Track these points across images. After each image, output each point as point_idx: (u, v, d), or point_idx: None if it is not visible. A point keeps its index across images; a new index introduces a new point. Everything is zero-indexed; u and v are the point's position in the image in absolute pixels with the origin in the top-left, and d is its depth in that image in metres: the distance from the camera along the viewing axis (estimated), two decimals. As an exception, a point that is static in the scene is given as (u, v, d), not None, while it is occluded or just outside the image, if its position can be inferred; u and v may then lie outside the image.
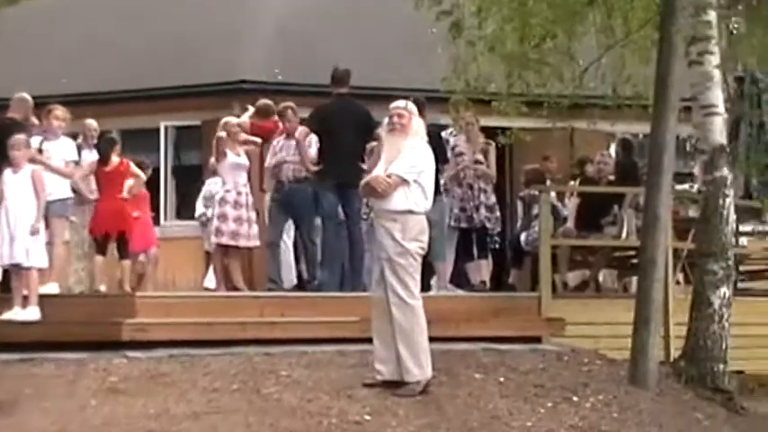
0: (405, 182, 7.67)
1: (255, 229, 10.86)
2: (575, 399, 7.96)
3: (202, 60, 14.89)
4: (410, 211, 7.69)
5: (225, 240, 10.83)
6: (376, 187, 7.68)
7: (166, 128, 14.88)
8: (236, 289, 10.73)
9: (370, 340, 7.91)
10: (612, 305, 10.20)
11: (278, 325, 9.20)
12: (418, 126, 7.96)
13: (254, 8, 15.97)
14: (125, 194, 11.99)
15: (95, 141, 12.26)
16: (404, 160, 7.73)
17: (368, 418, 7.16)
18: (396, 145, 7.85)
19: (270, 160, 11.14)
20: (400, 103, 7.98)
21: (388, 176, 7.67)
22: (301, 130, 10.50)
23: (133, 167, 12.12)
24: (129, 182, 11.64)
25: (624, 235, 11.02)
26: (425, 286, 10.90)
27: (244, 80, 14.13)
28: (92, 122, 12.40)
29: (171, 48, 15.40)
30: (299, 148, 10.48)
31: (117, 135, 14.53)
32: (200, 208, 12.87)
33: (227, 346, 8.67)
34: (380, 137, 8.07)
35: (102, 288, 11.79)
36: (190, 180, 14.27)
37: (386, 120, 8.00)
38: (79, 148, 12.12)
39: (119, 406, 7.17)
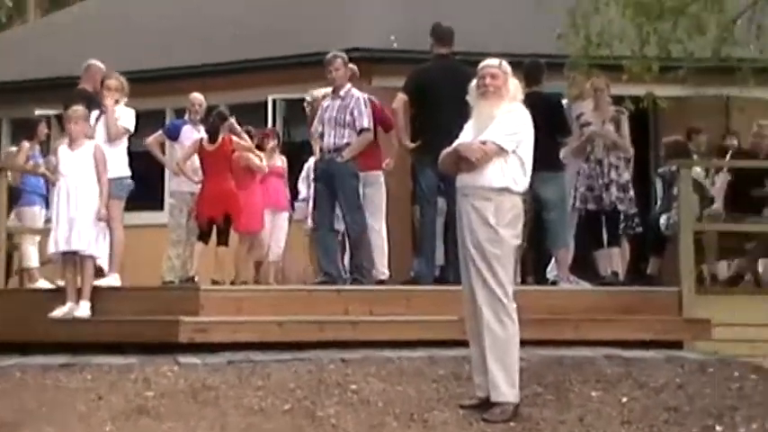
0: (503, 151, 6.11)
1: None
2: (718, 428, 6.13)
3: (311, 29, 13.61)
4: (507, 190, 6.13)
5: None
6: (469, 156, 6.10)
7: (275, 101, 13.60)
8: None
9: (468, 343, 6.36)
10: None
11: (360, 324, 7.75)
12: (515, 89, 6.35)
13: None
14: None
15: (201, 117, 11.11)
16: (500, 126, 6.15)
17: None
18: (488, 111, 6.26)
19: (316, 125, 9.33)
20: (492, 61, 6.38)
21: (483, 143, 6.10)
22: (399, 97, 8.93)
23: (237, 140, 10.91)
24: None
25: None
26: (540, 278, 9.31)
27: (356, 48, 12.67)
28: (197, 96, 11.25)
29: (278, 17, 14.20)
30: (395, 118, 8.94)
31: (225, 109, 13.61)
32: (302, 190, 11.56)
33: (300, 349, 7.30)
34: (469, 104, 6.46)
35: (195, 276, 10.74)
36: (302, 157, 12.98)
37: (473, 83, 6.40)
38: (183, 124, 11.10)
39: (135, 433, 5.82)
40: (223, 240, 10.78)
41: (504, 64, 6.41)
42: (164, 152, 11.32)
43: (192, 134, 10.88)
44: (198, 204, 10.63)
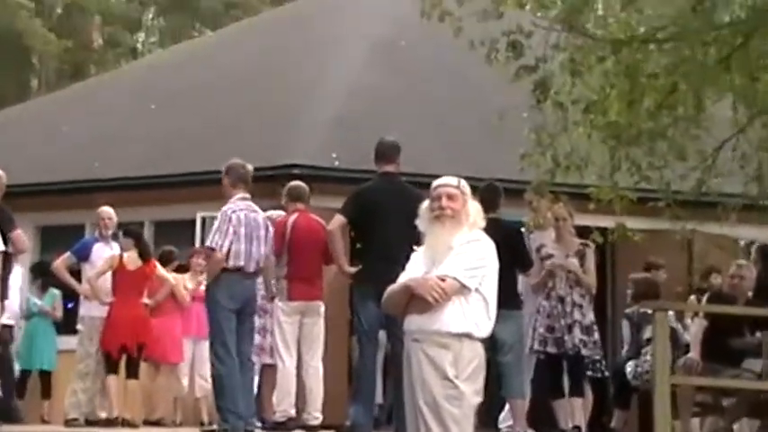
0: (464, 289, 5.02)
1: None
2: None
3: (251, 146, 12.58)
4: (468, 335, 5.03)
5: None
6: (424, 294, 4.99)
7: (204, 219, 12.46)
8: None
9: None
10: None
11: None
12: (476, 214, 5.28)
13: (309, 93, 13.66)
14: (147, 300, 9.84)
15: (113, 232, 9.98)
16: (460, 258, 5.07)
17: None
18: (444, 239, 5.18)
19: None
20: (449, 179, 5.33)
21: (441, 279, 5.01)
22: (336, 218, 7.82)
23: (160, 271, 9.90)
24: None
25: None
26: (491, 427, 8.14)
27: (294, 164, 11.67)
28: (106, 209, 10.15)
29: (215, 130, 13.16)
30: (331, 242, 7.83)
31: (149, 226, 12.50)
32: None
33: None
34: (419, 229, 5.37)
35: (104, 415, 9.49)
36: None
37: (425, 204, 5.35)
38: (94, 242, 10.02)
39: None
40: (133, 372, 9.75)
41: (464, 183, 5.37)
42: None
43: (104, 252, 9.77)
44: (107, 330, 9.43)
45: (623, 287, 10.90)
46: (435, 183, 5.34)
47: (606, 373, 8.80)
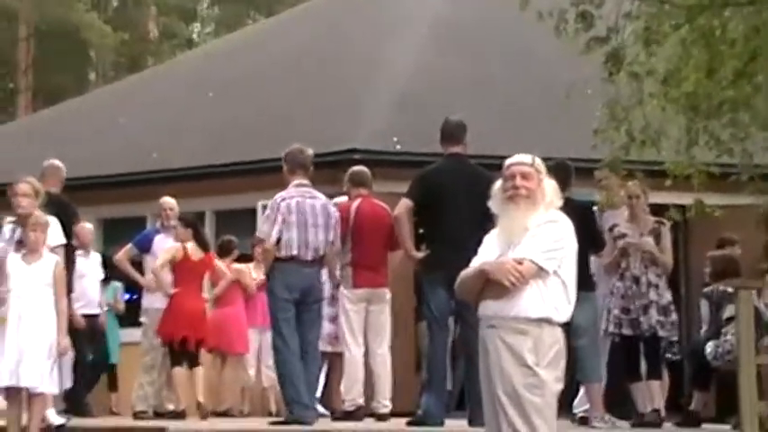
0: (542, 272, 4.75)
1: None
2: None
3: (311, 132, 12.37)
4: (547, 321, 4.77)
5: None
6: (501, 278, 4.74)
7: (264, 207, 12.27)
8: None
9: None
10: None
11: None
12: (553, 193, 5.01)
13: (367, 77, 13.39)
14: (206, 295, 9.69)
15: (173, 223, 9.80)
16: (537, 240, 4.80)
17: None
18: (520, 221, 4.92)
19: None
20: (524, 157, 5.04)
21: (518, 262, 4.76)
22: (402, 202, 7.57)
23: (219, 266, 9.73)
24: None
25: None
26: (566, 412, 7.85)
27: (355, 149, 11.42)
28: (168, 200, 9.99)
29: (272, 118, 12.98)
30: (398, 227, 7.58)
31: (211, 216, 12.37)
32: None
33: None
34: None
35: (171, 407, 9.36)
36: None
37: (497, 184, 5.07)
38: (155, 233, 9.89)
39: None
40: (196, 362, 9.48)
41: (538, 161, 5.08)
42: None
43: (166, 243, 9.62)
44: (166, 321, 9.26)
45: (697, 265, 10.56)
46: (508, 161, 5.07)
47: (677, 357, 8.48)
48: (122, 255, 9.99)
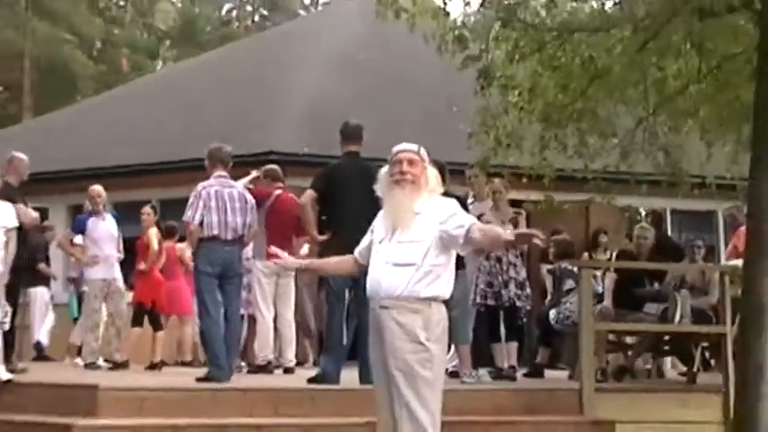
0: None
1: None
2: None
3: (239, 138, 11.14)
4: (435, 299, 3.72)
5: None
6: (535, 240, 3.70)
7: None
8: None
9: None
10: (664, 400, 6.12)
11: (264, 429, 5.18)
12: (435, 180, 3.96)
13: (284, 97, 12.29)
14: (142, 267, 8.51)
15: (100, 208, 8.49)
16: (463, 213, 3.84)
17: None
18: (405, 204, 3.85)
19: None
20: (410, 145, 3.99)
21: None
22: (307, 193, 6.45)
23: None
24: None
25: (678, 318, 6.79)
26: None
27: (272, 151, 10.31)
28: (96, 188, 8.61)
29: (213, 131, 11.71)
30: (302, 213, 6.48)
31: (157, 204, 11.07)
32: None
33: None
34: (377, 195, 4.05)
35: (118, 357, 8.17)
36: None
37: (383, 170, 4.00)
38: (89, 216, 8.55)
39: None
40: (159, 326, 8.70)
41: (423, 150, 4.04)
42: None
43: (98, 225, 8.40)
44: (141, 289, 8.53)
45: (535, 248, 9.72)
46: (395, 148, 4.00)
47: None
48: (63, 238, 8.88)
